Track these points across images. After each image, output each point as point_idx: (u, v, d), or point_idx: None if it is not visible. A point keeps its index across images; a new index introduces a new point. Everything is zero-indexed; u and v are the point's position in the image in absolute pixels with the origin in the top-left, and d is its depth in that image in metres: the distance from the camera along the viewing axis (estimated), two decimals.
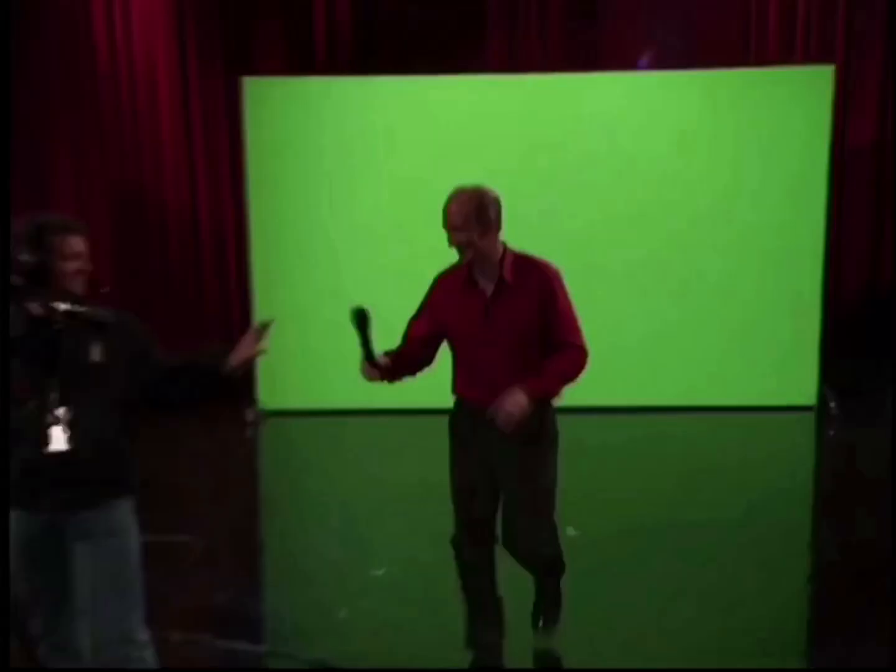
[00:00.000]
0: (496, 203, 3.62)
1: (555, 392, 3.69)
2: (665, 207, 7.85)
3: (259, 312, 7.71)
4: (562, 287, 3.69)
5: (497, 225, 3.62)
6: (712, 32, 8.21)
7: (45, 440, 2.85)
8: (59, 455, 2.87)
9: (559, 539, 3.87)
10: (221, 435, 7.24)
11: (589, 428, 7.16)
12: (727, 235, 7.85)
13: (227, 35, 8.52)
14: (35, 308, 2.84)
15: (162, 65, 8.50)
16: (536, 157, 7.76)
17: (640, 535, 5.41)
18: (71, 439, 2.89)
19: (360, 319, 3.48)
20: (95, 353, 2.96)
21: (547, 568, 3.91)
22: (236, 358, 3.12)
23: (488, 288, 3.65)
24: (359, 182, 7.80)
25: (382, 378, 3.67)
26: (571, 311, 3.71)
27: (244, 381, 7.54)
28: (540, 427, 3.69)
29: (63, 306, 2.84)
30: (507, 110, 7.81)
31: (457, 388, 3.87)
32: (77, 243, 2.99)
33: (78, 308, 2.88)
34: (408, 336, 3.86)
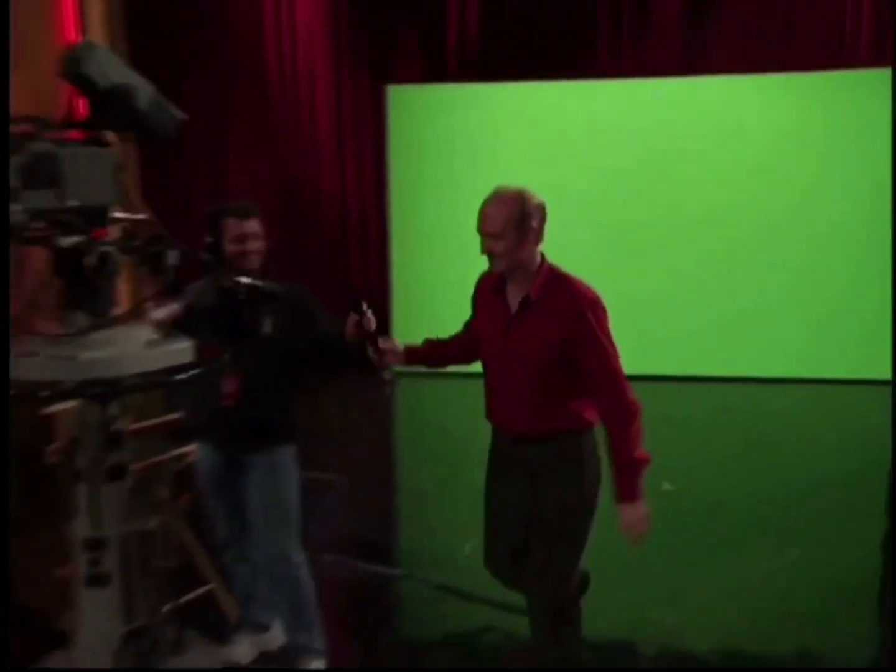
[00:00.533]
0: (540, 210, 2.90)
1: (643, 467, 2.88)
2: (761, 199, 7.70)
3: (396, 287, 7.87)
4: (598, 318, 2.84)
5: (538, 236, 2.89)
6: (808, 36, 7.81)
7: (226, 394, 3.02)
8: (235, 406, 3.05)
9: (570, 586, 3.00)
10: (364, 392, 7.38)
11: (694, 396, 7.21)
12: (818, 225, 7.64)
13: (374, 48, 8.61)
14: (225, 281, 2.92)
15: (320, 76, 8.78)
16: (651, 157, 7.71)
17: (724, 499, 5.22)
18: (245, 394, 3.05)
19: (355, 304, 3.01)
20: (268, 321, 3.05)
21: (543, 610, 2.99)
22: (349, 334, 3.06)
23: (514, 303, 2.94)
24: (483, 179, 7.81)
25: (408, 362, 3.18)
26: (611, 349, 2.86)
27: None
28: (581, 468, 2.96)
29: (245, 280, 2.92)
30: (615, 113, 7.76)
31: (486, 411, 3.15)
32: (251, 226, 3.09)
33: (256, 282, 2.95)
34: (459, 333, 3.33)
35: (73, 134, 2.51)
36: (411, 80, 8.39)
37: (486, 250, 2.90)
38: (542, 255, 2.93)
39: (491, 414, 3.10)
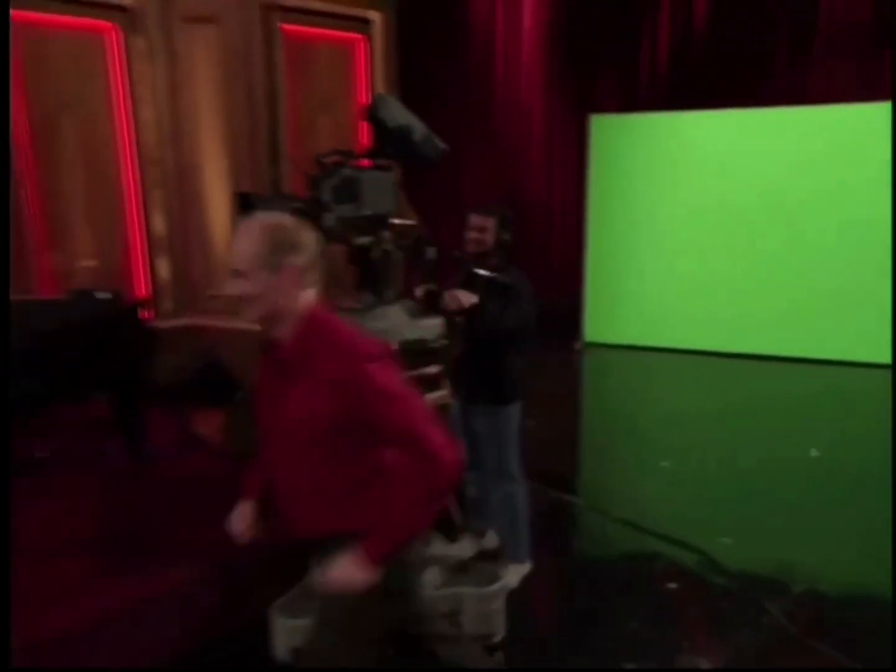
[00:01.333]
0: (304, 246, 1.76)
1: (407, 538, 1.82)
2: None
3: (590, 280, 7.84)
4: (378, 373, 1.74)
5: (303, 277, 1.77)
6: None
7: (464, 359, 3.04)
8: (468, 369, 3.09)
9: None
10: (556, 359, 7.39)
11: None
12: None
13: (579, 82, 8.50)
14: (467, 267, 3.02)
15: (536, 104, 8.72)
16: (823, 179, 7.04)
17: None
18: (470, 360, 3.06)
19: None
20: (495, 305, 3.01)
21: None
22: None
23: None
24: (665, 198, 7.59)
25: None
26: (403, 404, 1.75)
27: (573, 319, 7.68)
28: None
29: (482, 272, 2.95)
30: (792, 140, 7.11)
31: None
32: (476, 220, 3.09)
33: (484, 272, 2.99)
34: None
35: (364, 161, 2.69)
36: (610, 109, 8.21)
37: (234, 293, 1.79)
38: (316, 302, 1.82)
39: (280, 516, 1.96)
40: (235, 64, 5.67)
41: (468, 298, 2.78)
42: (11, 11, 5.03)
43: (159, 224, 5.91)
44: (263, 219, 1.78)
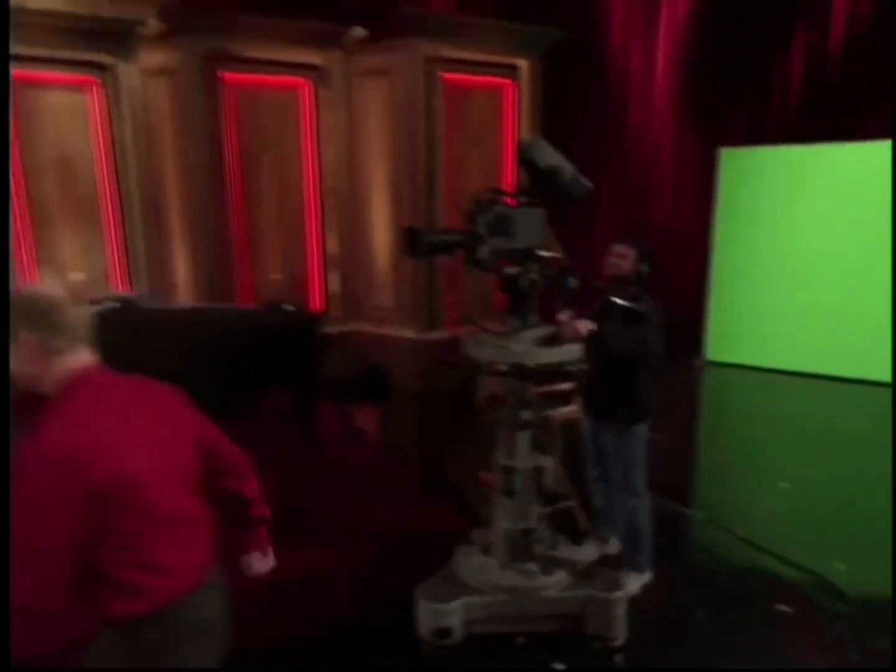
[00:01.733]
0: (43, 314, 1.41)
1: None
2: None
3: (713, 301, 7.38)
4: (33, 480, 1.31)
5: (46, 347, 1.41)
6: None
7: (595, 379, 2.91)
8: (598, 388, 2.96)
9: None
10: (677, 376, 6.98)
11: None
12: None
13: (709, 117, 8.01)
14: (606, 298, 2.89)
15: (667, 139, 8.30)
16: None
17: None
18: (600, 382, 2.92)
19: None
20: (618, 328, 2.80)
21: None
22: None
23: None
24: (791, 228, 7.01)
25: None
26: (22, 534, 1.31)
27: (694, 337, 7.27)
28: None
29: (619, 300, 2.82)
30: None
31: None
32: (617, 248, 2.95)
33: (620, 300, 2.84)
34: None
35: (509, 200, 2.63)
36: (739, 142, 7.68)
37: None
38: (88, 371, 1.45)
39: None
40: (402, 109, 5.84)
41: (585, 326, 2.66)
42: (234, 75, 5.47)
43: (333, 244, 6.20)
44: (29, 286, 1.51)
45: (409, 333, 5.97)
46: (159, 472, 1.47)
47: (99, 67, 5.15)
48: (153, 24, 5.24)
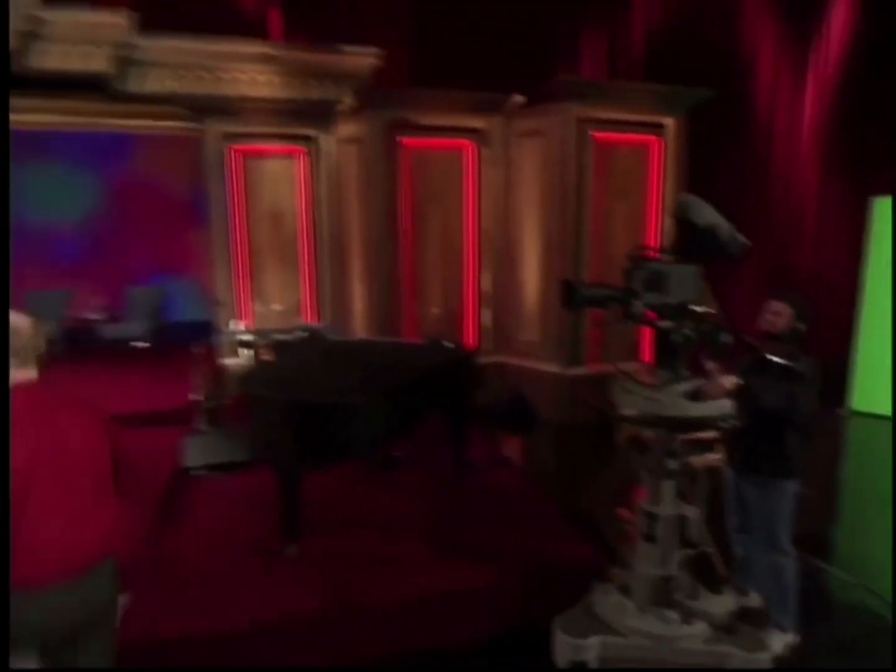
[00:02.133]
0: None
1: None
2: None
3: (861, 350, 6.45)
4: None
5: None
6: None
7: (742, 431, 2.52)
8: (744, 440, 2.65)
9: None
10: (820, 424, 6.11)
11: None
12: None
13: (858, 164, 7.07)
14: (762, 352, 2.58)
15: (812, 189, 7.45)
16: None
17: None
18: (752, 434, 2.59)
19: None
20: (784, 389, 2.50)
21: None
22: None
23: None
24: None
25: None
26: None
27: (839, 386, 6.40)
28: None
29: (775, 358, 2.49)
30: None
31: None
32: (772, 305, 2.65)
33: (774, 357, 2.53)
34: None
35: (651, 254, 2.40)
36: (890, 191, 6.70)
37: None
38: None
39: None
40: (554, 165, 5.76)
41: (731, 382, 2.36)
42: (410, 139, 5.72)
43: (487, 282, 6.21)
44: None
45: (552, 368, 5.79)
46: (50, 469, 1.58)
47: (305, 139, 5.63)
48: (347, 101, 5.63)
